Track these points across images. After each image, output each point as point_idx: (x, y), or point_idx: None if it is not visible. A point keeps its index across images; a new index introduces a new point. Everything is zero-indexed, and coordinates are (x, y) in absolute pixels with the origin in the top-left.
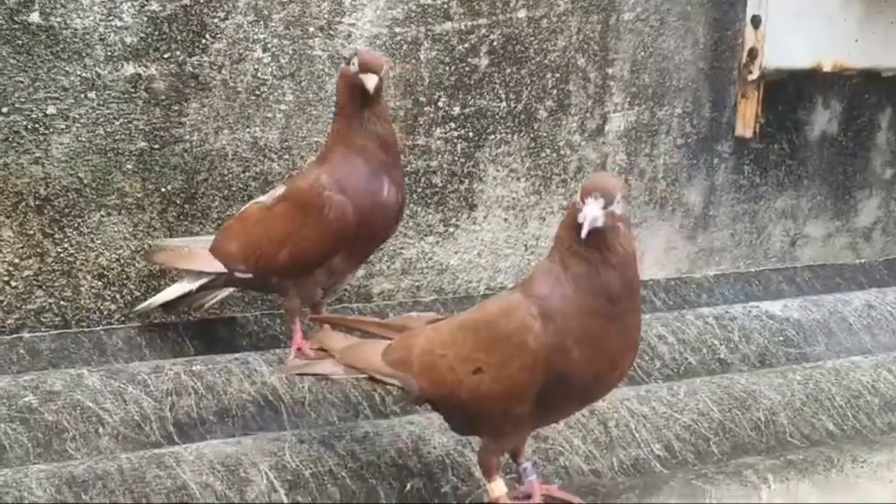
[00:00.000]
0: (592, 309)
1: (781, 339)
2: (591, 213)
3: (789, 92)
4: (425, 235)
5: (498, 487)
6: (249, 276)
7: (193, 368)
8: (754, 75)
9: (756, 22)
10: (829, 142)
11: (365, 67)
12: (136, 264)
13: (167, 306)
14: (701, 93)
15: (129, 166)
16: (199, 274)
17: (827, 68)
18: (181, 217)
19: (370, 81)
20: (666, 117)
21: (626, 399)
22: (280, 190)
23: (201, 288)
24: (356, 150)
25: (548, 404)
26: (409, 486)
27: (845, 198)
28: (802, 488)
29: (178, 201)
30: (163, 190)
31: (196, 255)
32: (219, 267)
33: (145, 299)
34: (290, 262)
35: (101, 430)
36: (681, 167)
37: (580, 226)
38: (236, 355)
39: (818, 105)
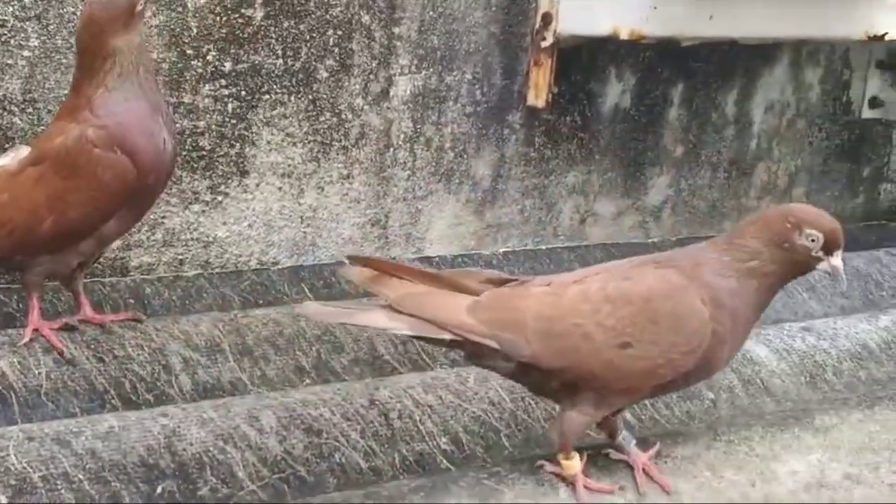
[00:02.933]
0: (747, 320)
1: None
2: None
3: (583, 61)
4: (190, 203)
5: (576, 464)
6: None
7: None
8: (548, 42)
9: None
10: (621, 116)
11: None
12: None
13: None
14: (492, 58)
15: None
16: None
17: (624, 36)
18: None
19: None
20: (455, 83)
21: (411, 387)
22: (23, 151)
23: None
24: (126, 89)
25: (672, 386)
26: (159, 489)
27: (636, 175)
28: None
29: None
30: None
31: None
32: None
33: None
34: (52, 236)
35: None
36: (469, 137)
37: (829, 275)
38: None
39: (612, 76)
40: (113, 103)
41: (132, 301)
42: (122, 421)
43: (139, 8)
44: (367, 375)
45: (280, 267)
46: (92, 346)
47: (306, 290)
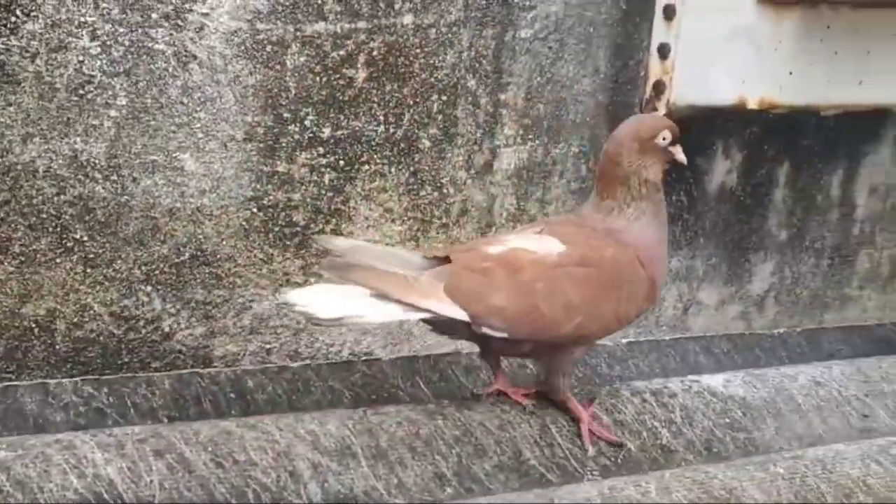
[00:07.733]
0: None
1: (727, 420)
2: None
3: (690, 136)
4: (281, 286)
5: None
6: (503, 335)
7: None
8: (660, 112)
9: (664, 51)
10: (727, 196)
11: (677, 140)
12: None
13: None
14: (599, 130)
15: None
16: (423, 311)
17: (753, 105)
18: None
19: (683, 155)
20: (561, 156)
21: (590, 500)
22: (551, 243)
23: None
24: (657, 227)
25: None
26: None
27: (740, 261)
28: None
29: None
30: None
31: (420, 287)
32: (459, 314)
33: None
34: (570, 334)
35: None
36: None
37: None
38: None
39: (718, 153)
40: (651, 240)
41: (233, 396)
42: None
43: (683, 158)
44: (513, 483)
45: (388, 357)
46: (209, 450)
47: (421, 383)
